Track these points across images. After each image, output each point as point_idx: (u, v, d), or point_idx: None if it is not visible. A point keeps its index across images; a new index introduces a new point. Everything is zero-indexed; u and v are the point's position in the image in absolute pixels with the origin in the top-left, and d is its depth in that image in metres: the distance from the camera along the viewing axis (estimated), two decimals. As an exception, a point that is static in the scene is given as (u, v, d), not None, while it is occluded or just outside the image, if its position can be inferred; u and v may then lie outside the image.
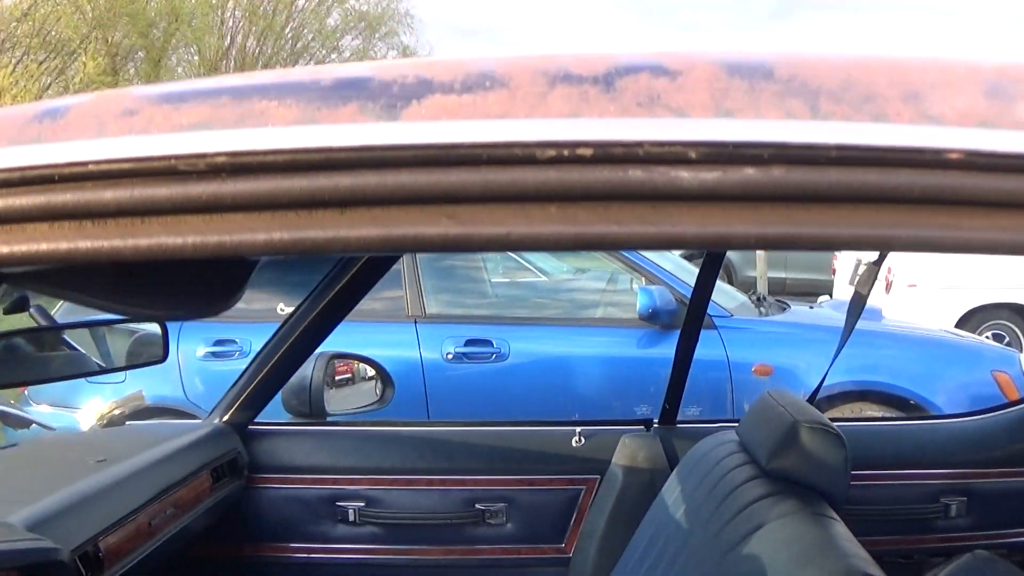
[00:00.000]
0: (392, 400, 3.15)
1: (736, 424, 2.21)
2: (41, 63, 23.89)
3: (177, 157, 0.78)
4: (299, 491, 2.62)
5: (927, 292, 9.04)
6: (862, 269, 8.79)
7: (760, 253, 11.26)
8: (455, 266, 5.98)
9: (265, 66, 26.39)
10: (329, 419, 2.87)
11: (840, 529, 1.64)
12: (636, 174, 0.71)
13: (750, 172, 0.70)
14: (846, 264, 10.56)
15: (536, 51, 0.81)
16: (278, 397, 2.70)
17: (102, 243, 0.82)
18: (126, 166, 0.79)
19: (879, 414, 5.18)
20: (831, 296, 10.42)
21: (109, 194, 0.80)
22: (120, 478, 2.10)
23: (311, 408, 2.78)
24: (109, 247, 0.82)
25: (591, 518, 2.61)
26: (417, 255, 5.60)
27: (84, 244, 0.82)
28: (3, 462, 2.40)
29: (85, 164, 0.80)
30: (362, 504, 2.61)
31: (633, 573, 2.08)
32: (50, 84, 23.55)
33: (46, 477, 2.12)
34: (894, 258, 9.37)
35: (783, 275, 14.94)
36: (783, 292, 14.24)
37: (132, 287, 1.10)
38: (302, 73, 0.83)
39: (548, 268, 6.37)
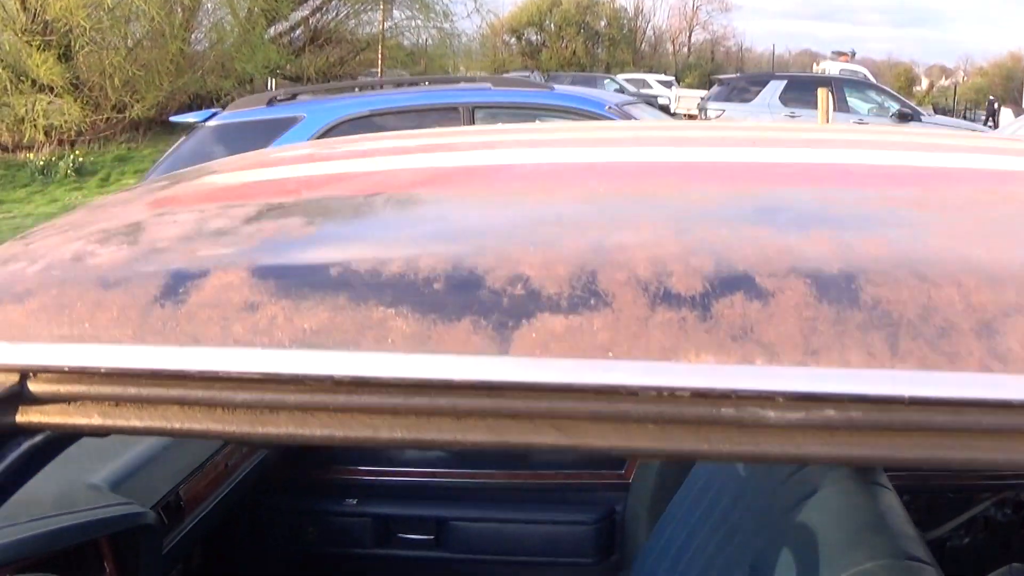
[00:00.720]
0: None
1: None
2: None
3: (303, 377, 0.85)
4: None
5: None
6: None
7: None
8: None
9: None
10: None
11: (892, 501, 1.66)
12: (728, 411, 0.78)
13: (830, 413, 0.77)
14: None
15: (633, 247, 0.88)
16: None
17: (233, 428, 0.89)
18: (255, 377, 0.86)
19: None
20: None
21: (240, 396, 0.87)
22: None
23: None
24: (239, 432, 0.89)
25: None
26: None
27: (216, 427, 0.90)
28: None
29: (216, 373, 0.87)
30: None
31: (690, 512, 2.13)
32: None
33: None
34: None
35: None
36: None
37: None
38: (414, 271, 0.88)
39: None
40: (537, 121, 6.24)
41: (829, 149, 1.35)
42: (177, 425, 0.90)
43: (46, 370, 0.92)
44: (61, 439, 1.00)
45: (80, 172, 16.84)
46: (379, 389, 0.84)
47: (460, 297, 0.85)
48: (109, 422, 0.93)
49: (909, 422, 0.77)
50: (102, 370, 0.90)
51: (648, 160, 1.27)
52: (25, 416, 0.94)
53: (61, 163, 16.82)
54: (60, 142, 18.42)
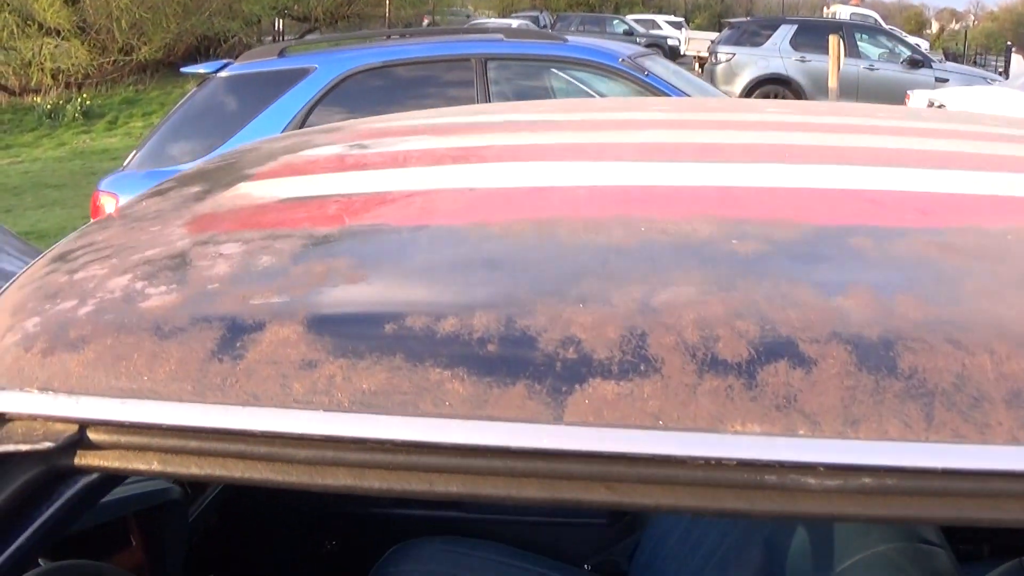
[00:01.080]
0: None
1: None
2: None
3: (363, 440, 0.87)
4: None
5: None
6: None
7: (832, 81, 11.09)
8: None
9: None
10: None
11: (946, 566, 1.59)
12: (771, 478, 0.81)
13: (867, 481, 0.80)
14: (918, 101, 10.39)
15: (679, 306, 0.90)
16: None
17: (293, 479, 0.91)
18: (316, 438, 0.88)
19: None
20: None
21: (301, 453, 0.89)
22: None
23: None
24: (299, 482, 0.91)
25: None
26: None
27: (275, 477, 0.92)
28: None
29: (277, 434, 0.89)
30: None
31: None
32: None
33: None
34: (967, 103, 9.20)
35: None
36: (851, 120, 14.08)
37: None
38: (468, 330, 0.90)
39: (617, 96, 6.38)
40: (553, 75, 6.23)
41: (860, 168, 1.34)
42: (237, 474, 0.93)
43: (105, 423, 0.94)
44: (117, 477, 1.01)
45: (87, 115, 16.81)
46: (437, 451, 0.87)
47: (514, 360, 0.87)
48: (169, 469, 0.95)
49: (940, 488, 0.80)
50: (163, 426, 0.91)
51: (683, 184, 1.26)
52: (84, 460, 0.96)
53: (68, 106, 16.79)
54: (67, 85, 18.35)
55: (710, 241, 1.04)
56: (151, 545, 1.83)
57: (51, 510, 1.01)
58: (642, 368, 0.85)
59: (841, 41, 11.29)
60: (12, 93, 18.13)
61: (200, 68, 6.52)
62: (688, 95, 5.81)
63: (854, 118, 1.84)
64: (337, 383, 0.88)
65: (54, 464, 0.97)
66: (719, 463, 0.81)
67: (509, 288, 0.97)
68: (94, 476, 1.01)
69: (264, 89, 5.88)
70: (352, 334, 0.92)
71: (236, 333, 0.94)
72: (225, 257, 1.09)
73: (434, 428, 0.86)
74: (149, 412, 0.92)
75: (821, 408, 0.81)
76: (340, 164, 1.57)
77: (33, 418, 0.96)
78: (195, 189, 1.48)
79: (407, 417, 0.86)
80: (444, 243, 1.10)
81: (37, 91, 17.97)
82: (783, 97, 15.77)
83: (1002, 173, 1.36)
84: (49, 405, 0.95)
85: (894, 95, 13.83)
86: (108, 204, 5.48)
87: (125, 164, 5.87)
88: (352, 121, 2.13)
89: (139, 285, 1.05)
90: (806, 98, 15.18)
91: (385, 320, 0.92)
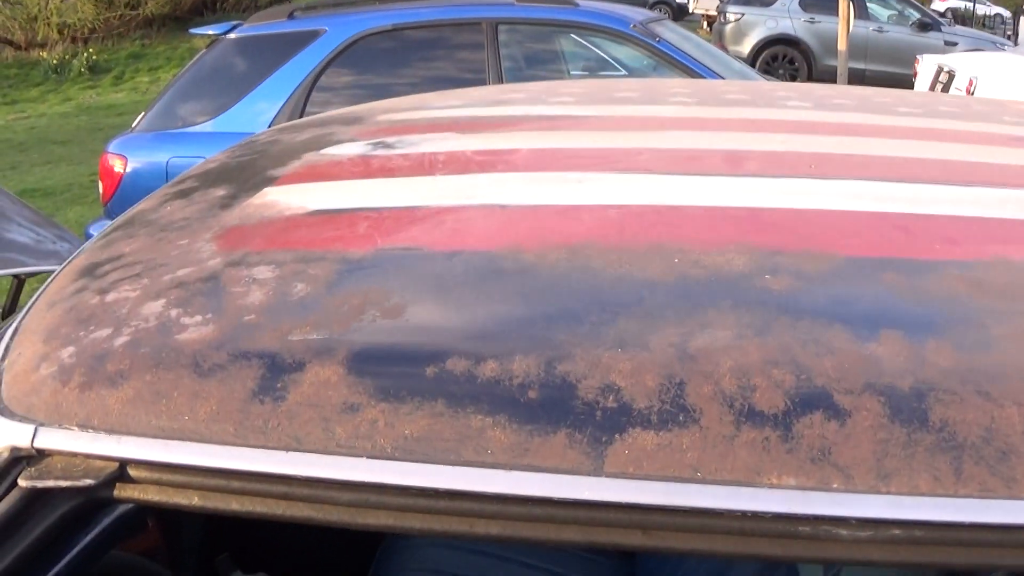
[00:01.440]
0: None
1: None
2: None
3: (406, 487, 0.88)
4: None
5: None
6: (943, 77, 8.54)
7: (841, 43, 11.05)
8: (535, 74, 6.01)
9: None
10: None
11: None
12: (805, 529, 0.83)
13: (896, 532, 0.82)
14: (928, 67, 10.33)
15: (716, 351, 0.91)
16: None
17: (334, 518, 0.92)
18: (359, 483, 0.89)
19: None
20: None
21: (344, 496, 0.90)
22: None
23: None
24: (340, 521, 0.92)
25: None
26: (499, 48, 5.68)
27: (317, 516, 0.92)
28: None
29: (320, 479, 0.89)
30: None
31: None
32: None
33: None
34: (977, 70, 9.16)
35: (863, 66, 14.67)
36: (863, 82, 14.05)
37: None
38: (508, 376, 0.91)
39: (628, 63, 6.36)
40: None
41: (886, 185, 1.33)
42: (279, 512, 0.93)
43: (147, 463, 0.94)
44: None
45: (94, 70, 16.76)
46: (479, 499, 0.88)
47: (555, 407, 0.88)
48: (209, 504, 0.95)
49: (966, 539, 0.83)
50: (205, 467, 0.92)
51: (712, 204, 1.26)
52: (123, 492, 0.97)
53: (75, 61, 16.75)
54: (73, 40, 18.27)
55: (744, 275, 1.05)
56: (167, 528, 1.84)
57: (89, 537, 1.02)
58: (681, 418, 0.87)
59: (851, 2, 11.23)
60: (18, 48, 18.04)
61: (209, 30, 6.49)
62: (699, 63, 5.79)
63: (873, 115, 1.82)
64: (379, 428, 0.89)
65: (93, 496, 0.97)
66: (755, 515, 0.83)
67: (547, 330, 0.97)
68: (130, 506, 1.02)
69: (274, 51, 5.86)
70: (393, 376, 0.93)
71: (276, 373, 0.94)
72: (259, 283, 1.09)
73: (476, 477, 0.87)
74: (191, 454, 0.92)
75: (854, 461, 0.83)
76: (365, 169, 1.55)
77: (73, 455, 0.96)
78: (219, 193, 1.46)
79: (450, 466, 0.87)
80: (479, 273, 1.10)
81: (43, 46, 17.88)
82: (791, 59, 15.68)
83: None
84: (89, 443, 0.95)
85: (903, 58, 13.77)
86: (117, 165, 5.49)
87: (133, 126, 5.86)
88: (369, 108, 2.08)
89: (174, 313, 1.05)
90: (815, 60, 15.10)
91: (425, 362, 0.93)
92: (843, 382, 0.88)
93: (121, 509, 1.03)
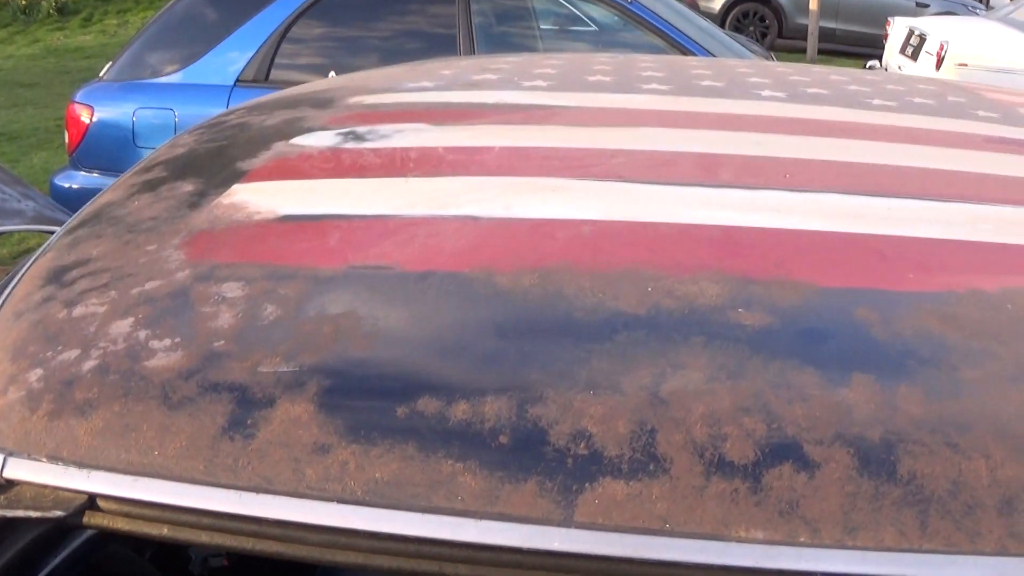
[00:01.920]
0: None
1: None
2: None
3: (376, 533, 0.88)
4: None
5: (977, 72, 8.84)
6: (914, 40, 8.57)
7: (812, 2, 11.05)
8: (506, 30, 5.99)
9: None
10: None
11: None
12: None
13: None
14: (899, 29, 10.35)
15: (687, 396, 0.92)
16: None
17: (304, 554, 0.91)
18: (329, 527, 0.89)
19: None
20: (880, 61, 10.30)
21: (314, 537, 0.90)
22: None
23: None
24: (310, 557, 0.92)
25: None
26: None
27: (287, 552, 0.92)
28: None
29: (291, 522, 0.90)
30: None
31: None
32: None
33: None
34: (948, 34, 9.19)
35: (834, 25, 14.64)
36: (833, 41, 14.07)
37: None
38: (480, 419, 0.91)
39: (599, 19, 6.36)
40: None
41: (860, 200, 1.33)
42: (248, 546, 0.93)
43: (116, 498, 0.93)
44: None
45: (62, 12, 16.48)
46: (449, 545, 0.87)
47: (526, 453, 0.89)
48: (179, 536, 0.94)
49: None
50: (174, 505, 0.92)
51: (686, 222, 1.25)
52: (93, 520, 0.96)
53: (43, 2, 16.46)
54: (41, -20, 18.00)
55: (716, 308, 1.05)
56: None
57: (58, 559, 1.03)
58: (651, 468, 0.87)
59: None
60: (-15, -13, 17.78)
61: (179, -22, 6.43)
62: (672, 26, 5.78)
63: (850, 110, 1.80)
64: (350, 471, 0.89)
65: (63, 523, 0.96)
66: (724, 569, 0.84)
67: (520, 368, 0.97)
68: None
69: (245, 1, 5.81)
70: (363, 414, 0.93)
71: (246, 408, 0.94)
72: (228, 303, 1.08)
73: (447, 525, 0.87)
74: (161, 491, 0.92)
75: (822, 515, 0.84)
76: (336, 166, 1.52)
77: (43, 487, 0.96)
78: (187, 188, 1.44)
79: (420, 513, 0.87)
80: (451, 300, 1.09)
81: (11, -15, 17.63)
82: (762, 16, 15.60)
83: (1006, 207, 1.36)
84: (59, 476, 0.94)
85: (875, 18, 13.73)
86: (83, 115, 5.44)
87: (101, 74, 5.81)
88: (341, 85, 2.05)
89: (142, 335, 1.04)
90: (786, 18, 15.01)
91: (397, 401, 0.93)
92: (813, 431, 0.89)
93: (87, 534, 1.04)
